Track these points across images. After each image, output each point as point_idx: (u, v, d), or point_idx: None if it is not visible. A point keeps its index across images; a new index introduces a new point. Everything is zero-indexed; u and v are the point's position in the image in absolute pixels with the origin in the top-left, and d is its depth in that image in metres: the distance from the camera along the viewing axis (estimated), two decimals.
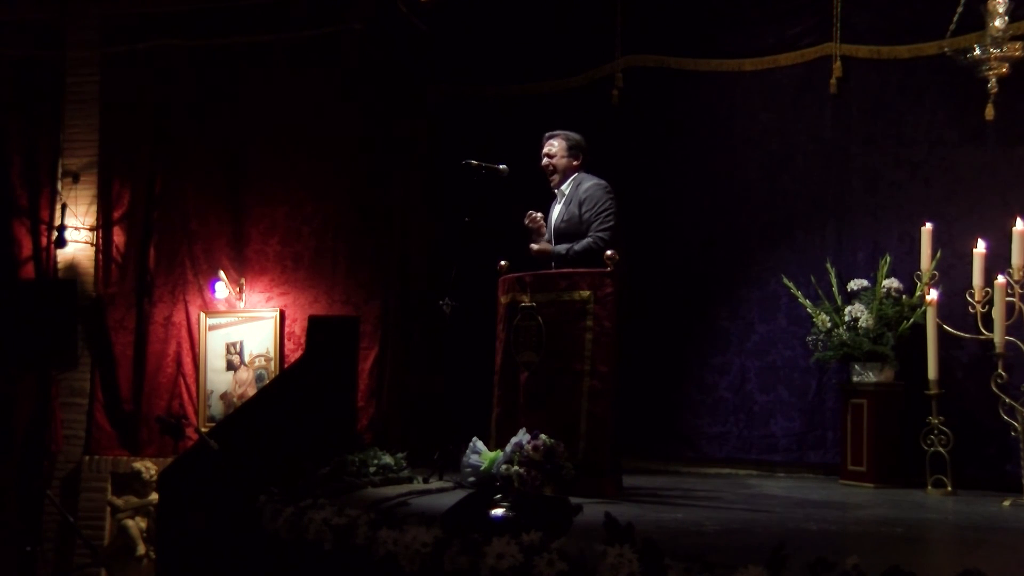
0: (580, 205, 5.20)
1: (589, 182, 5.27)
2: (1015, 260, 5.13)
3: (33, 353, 6.95)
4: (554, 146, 5.37)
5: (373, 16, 7.02)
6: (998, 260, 5.29)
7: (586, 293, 4.79)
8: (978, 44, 5.47)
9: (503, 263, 5.34)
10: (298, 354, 6.85)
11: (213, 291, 7.12)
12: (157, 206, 7.39)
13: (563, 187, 5.34)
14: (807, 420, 6.13)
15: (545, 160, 5.38)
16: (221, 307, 7.17)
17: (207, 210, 7.28)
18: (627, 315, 5.09)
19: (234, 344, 7.13)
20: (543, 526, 3.09)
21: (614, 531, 2.94)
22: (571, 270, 4.97)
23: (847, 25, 6.16)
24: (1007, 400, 5.04)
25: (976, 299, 5.26)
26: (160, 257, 7.34)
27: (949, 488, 5.16)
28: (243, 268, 7.18)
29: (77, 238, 7.40)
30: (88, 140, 7.53)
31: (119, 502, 7.15)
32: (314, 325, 5.90)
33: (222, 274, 7.10)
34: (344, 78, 7.11)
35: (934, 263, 5.61)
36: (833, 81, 6.18)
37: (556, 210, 5.37)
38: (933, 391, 5.26)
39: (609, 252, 4.85)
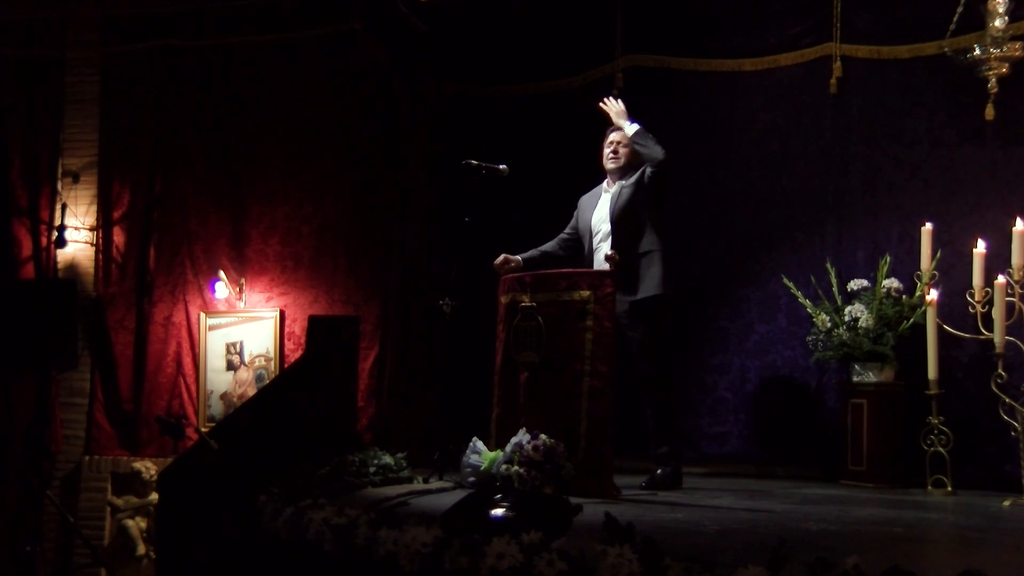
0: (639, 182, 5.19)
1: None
2: (1015, 260, 5.13)
3: (33, 353, 6.94)
4: (619, 135, 5.37)
5: (373, 16, 7.01)
6: (998, 260, 5.28)
7: (586, 293, 4.78)
8: (978, 44, 5.47)
9: None
10: (298, 354, 6.85)
11: (213, 291, 7.12)
12: (157, 206, 7.38)
13: (621, 180, 5.31)
14: (807, 420, 6.13)
15: (613, 144, 5.35)
16: (221, 307, 7.17)
17: (207, 210, 7.28)
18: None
19: (234, 344, 7.12)
20: (543, 526, 3.08)
21: (614, 531, 2.94)
22: (571, 270, 4.97)
23: (847, 25, 6.16)
24: (1007, 400, 5.04)
25: (976, 299, 5.26)
26: (160, 257, 7.33)
27: (949, 488, 5.16)
28: (243, 268, 7.18)
29: (77, 238, 7.40)
30: (88, 140, 7.52)
31: (119, 502, 7.15)
32: (314, 325, 5.90)
33: (222, 274, 7.10)
34: (344, 78, 7.10)
35: (934, 263, 5.61)
36: (833, 81, 6.18)
37: (605, 201, 5.34)
38: (933, 391, 5.26)
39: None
